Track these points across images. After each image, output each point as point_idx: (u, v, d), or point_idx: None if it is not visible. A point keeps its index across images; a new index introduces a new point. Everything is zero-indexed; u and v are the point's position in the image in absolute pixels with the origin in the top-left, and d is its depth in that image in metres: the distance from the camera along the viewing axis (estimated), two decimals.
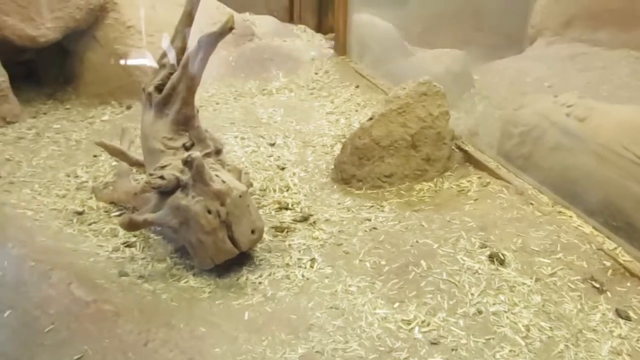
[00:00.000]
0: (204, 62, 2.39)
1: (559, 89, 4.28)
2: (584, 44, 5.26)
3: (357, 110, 4.37)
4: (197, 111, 2.59)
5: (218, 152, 2.62)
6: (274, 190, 3.23)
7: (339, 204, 3.09)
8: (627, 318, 2.12)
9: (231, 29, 2.30)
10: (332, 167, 3.41)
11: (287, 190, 3.23)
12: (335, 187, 3.28)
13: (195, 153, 2.29)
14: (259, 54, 5.35)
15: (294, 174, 3.42)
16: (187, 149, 2.54)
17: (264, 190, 3.24)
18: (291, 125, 4.10)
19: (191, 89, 2.46)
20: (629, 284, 2.29)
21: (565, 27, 5.46)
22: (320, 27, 7.07)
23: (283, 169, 3.48)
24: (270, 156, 3.63)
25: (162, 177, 2.38)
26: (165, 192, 2.44)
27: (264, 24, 6.25)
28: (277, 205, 3.08)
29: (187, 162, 2.30)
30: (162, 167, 2.44)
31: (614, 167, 2.56)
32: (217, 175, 2.43)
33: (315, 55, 5.51)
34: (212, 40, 2.35)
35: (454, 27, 5.81)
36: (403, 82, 3.42)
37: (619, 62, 4.95)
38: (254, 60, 5.27)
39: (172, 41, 2.55)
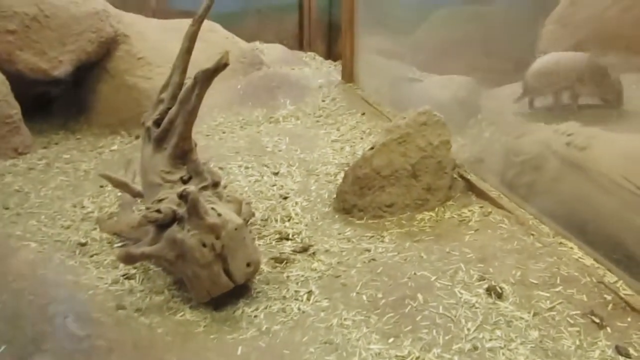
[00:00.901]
0: (200, 98, 2.44)
1: (567, 114, 4.25)
2: None
3: (362, 138, 4.40)
4: (195, 145, 2.63)
5: (216, 184, 2.65)
6: (276, 220, 3.24)
7: (339, 234, 3.08)
8: (627, 355, 2.06)
9: (225, 65, 2.35)
10: (335, 196, 3.42)
11: (289, 220, 3.25)
12: (336, 216, 3.28)
13: (190, 187, 2.32)
14: (267, 82, 5.43)
15: (297, 203, 3.43)
16: (184, 182, 2.57)
17: (266, 220, 3.25)
18: (296, 153, 4.13)
19: (188, 124, 2.51)
20: (629, 319, 2.23)
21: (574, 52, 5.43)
22: (330, 54, 7.18)
23: (286, 198, 3.50)
24: (273, 185, 3.66)
25: (158, 211, 2.41)
26: (162, 225, 2.47)
27: (273, 52, 6.36)
28: (277, 236, 3.09)
29: (182, 196, 2.33)
30: (160, 201, 2.47)
31: (614, 198, 2.52)
32: (213, 209, 2.46)
33: (323, 83, 5.58)
34: (208, 76, 2.39)
35: (462, 53, 5.82)
36: (409, 109, 3.43)
37: (629, 86, 4.90)
38: (261, 89, 5.35)
39: (170, 76, 2.61)
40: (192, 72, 2.62)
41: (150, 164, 2.61)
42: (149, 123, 2.64)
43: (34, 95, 4.56)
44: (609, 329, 2.20)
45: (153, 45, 4.83)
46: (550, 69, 4.00)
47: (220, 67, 2.36)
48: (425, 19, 5.74)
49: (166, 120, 2.57)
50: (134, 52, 4.71)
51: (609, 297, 2.34)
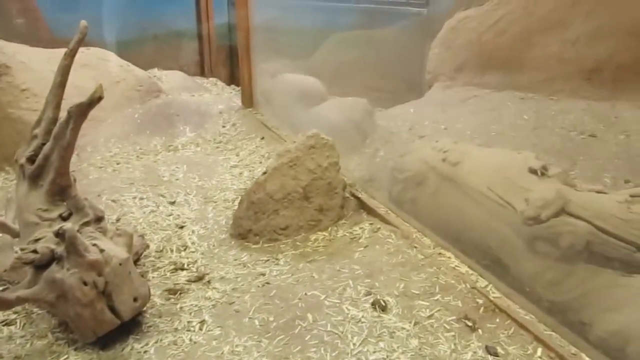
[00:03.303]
0: (75, 132, 2.38)
1: (453, 130, 4.56)
2: (475, 87, 5.65)
3: (261, 162, 4.45)
4: (75, 180, 2.56)
5: (99, 219, 2.58)
6: (171, 251, 3.20)
7: (235, 260, 3.10)
8: (495, 354, 2.23)
9: (100, 98, 2.32)
10: (232, 222, 3.44)
11: (185, 250, 3.22)
12: (233, 242, 3.29)
13: (67, 225, 2.25)
14: (166, 110, 5.37)
15: (193, 232, 3.41)
16: (64, 219, 2.49)
17: (161, 251, 3.20)
18: (193, 181, 4.11)
19: (64, 159, 2.44)
20: (498, 320, 2.42)
21: (458, 72, 5.85)
22: (233, 79, 7.21)
23: (182, 227, 3.47)
24: (169, 215, 3.61)
25: (35, 251, 2.31)
26: (40, 266, 2.37)
27: (172, 79, 6.30)
28: (172, 266, 3.05)
29: (59, 234, 2.25)
30: (36, 240, 2.37)
31: (482, 209, 2.74)
32: (95, 245, 2.39)
33: (224, 109, 5.60)
34: (82, 110, 2.35)
35: (358, 75, 6.09)
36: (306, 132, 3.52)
37: (505, 103, 5.34)
38: (160, 117, 5.27)
39: (44, 111, 2.52)
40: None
41: (26, 202, 2.50)
42: (22, 160, 2.53)
43: None
44: (480, 331, 2.37)
45: (39, 75, 4.63)
46: None
47: (94, 100, 2.33)
48: (320, 43, 5.96)
49: (41, 156, 2.48)
50: (17, 84, 4.49)
51: (480, 301, 2.53)
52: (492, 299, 2.51)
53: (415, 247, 2.97)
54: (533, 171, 2.64)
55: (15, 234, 2.95)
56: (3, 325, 2.56)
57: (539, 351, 2.24)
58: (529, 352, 2.25)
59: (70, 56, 2.50)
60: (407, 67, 5.99)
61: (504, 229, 2.62)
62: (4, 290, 2.75)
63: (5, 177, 4.21)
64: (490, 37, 5.39)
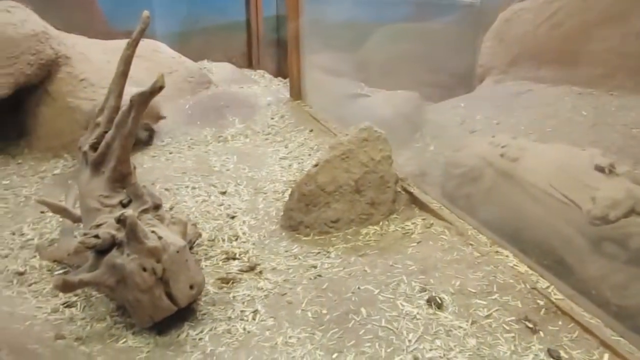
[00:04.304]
0: (136, 121, 2.42)
1: (506, 126, 4.42)
2: (529, 82, 5.46)
3: (310, 155, 4.44)
4: (134, 168, 2.61)
5: (157, 207, 2.63)
6: (223, 240, 3.23)
7: (286, 251, 3.10)
8: (558, 358, 2.15)
9: (161, 87, 2.35)
10: (282, 213, 3.44)
11: (236, 240, 3.24)
12: (283, 234, 3.29)
13: (128, 211, 2.29)
14: (216, 101, 5.43)
15: (244, 222, 3.43)
16: (124, 206, 2.54)
17: (213, 240, 3.23)
18: (244, 172, 4.13)
19: (125, 147, 2.48)
20: (560, 323, 2.33)
21: (511, 66, 5.67)
22: (280, 71, 7.23)
23: (233, 217, 3.49)
24: (220, 205, 3.65)
25: (96, 236, 2.36)
26: (101, 251, 2.42)
27: (222, 70, 6.36)
28: (224, 256, 3.07)
29: (120, 221, 2.30)
30: (98, 226, 2.43)
31: (543, 207, 2.64)
32: (153, 232, 2.43)
33: (272, 101, 5.62)
34: (144, 99, 2.39)
35: (408, 68, 5.99)
36: (355, 125, 3.49)
37: (562, 98, 5.14)
38: (210, 108, 5.34)
39: (106, 100, 2.58)
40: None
41: (88, 188, 2.57)
42: (86, 147, 2.60)
43: None
44: (542, 333, 2.29)
45: (96, 66, 4.75)
46: None
47: (156, 89, 2.36)
48: (370, 36, 5.89)
49: (103, 144, 2.54)
50: (76, 74, 4.62)
51: (541, 302, 2.45)
52: (554, 300, 2.42)
53: (471, 244, 2.90)
54: (600, 169, 2.53)
55: (75, 219, 3.04)
56: (65, 307, 2.64)
57: (606, 357, 2.14)
58: (594, 357, 2.16)
59: (133, 46, 2.54)
60: (458, 60, 5.86)
61: (567, 228, 2.52)
62: (65, 273, 2.85)
63: (64, 164, 4.34)
64: (546, 30, 5.19)
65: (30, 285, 2.82)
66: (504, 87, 5.56)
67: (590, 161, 2.62)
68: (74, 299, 2.70)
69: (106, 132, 2.57)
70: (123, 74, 2.59)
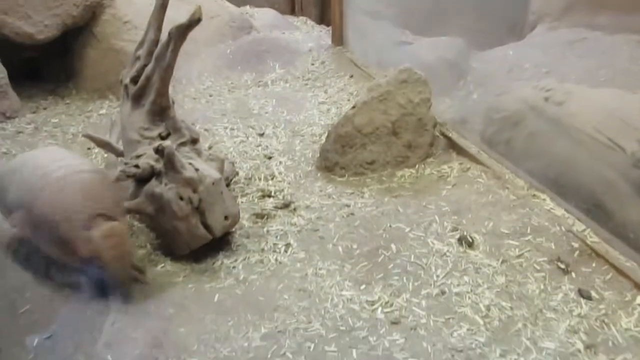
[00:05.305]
0: (175, 54, 2.46)
1: (557, 75, 4.24)
2: (584, 29, 5.17)
3: (349, 100, 4.40)
4: (173, 102, 2.66)
5: (194, 141, 2.69)
6: (259, 179, 3.29)
7: (320, 191, 3.13)
8: (589, 298, 2.12)
9: (199, 20, 2.37)
10: (318, 155, 3.46)
11: (272, 179, 3.29)
12: (319, 174, 3.32)
13: (166, 142, 2.36)
14: (257, 47, 5.41)
15: (280, 162, 3.47)
16: (162, 138, 2.61)
17: (249, 179, 3.30)
18: (282, 115, 4.15)
19: (164, 80, 2.53)
20: (594, 265, 2.29)
21: (565, 13, 5.37)
22: (323, 19, 7.10)
23: (270, 158, 3.54)
24: (258, 146, 3.70)
25: (137, 166, 2.45)
26: (141, 181, 2.52)
27: (264, 16, 6.31)
28: (260, 193, 3.14)
29: (159, 151, 2.37)
30: (138, 157, 2.52)
31: (586, 151, 2.55)
32: (190, 164, 2.50)
33: (313, 47, 5.55)
34: (181, 31, 2.41)
35: (456, 15, 5.77)
36: None
37: (619, 47, 4.85)
38: (251, 53, 5.33)
39: (146, 33, 2.62)
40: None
41: (129, 121, 2.65)
42: (127, 80, 2.67)
43: (21, 61, 4.56)
44: (573, 274, 2.26)
45: (139, 8, 4.80)
46: None
47: (193, 22, 2.37)
48: None
49: (143, 77, 2.60)
50: (120, 16, 4.69)
51: (576, 245, 2.40)
52: (589, 243, 2.38)
53: (507, 187, 2.85)
54: None
55: (118, 154, 3.15)
56: None
57: (639, 299, 2.10)
58: (627, 298, 2.12)
59: None
60: (508, 7, 5.59)
61: (609, 172, 2.43)
62: None
63: (109, 104, 4.47)
64: None
65: None
66: (556, 35, 5.29)
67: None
68: None
69: (146, 65, 2.62)
70: (162, 7, 2.61)
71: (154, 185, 2.47)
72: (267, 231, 2.77)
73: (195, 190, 2.44)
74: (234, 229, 2.69)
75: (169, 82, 2.58)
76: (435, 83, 3.69)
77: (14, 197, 2.18)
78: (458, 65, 4.84)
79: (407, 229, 2.62)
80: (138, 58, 2.67)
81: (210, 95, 4.54)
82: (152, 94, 2.59)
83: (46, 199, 2.08)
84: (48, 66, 4.90)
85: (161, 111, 2.63)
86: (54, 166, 2.17)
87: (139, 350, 1.95)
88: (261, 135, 3.84)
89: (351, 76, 4.81)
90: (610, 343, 1.95)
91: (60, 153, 2.41)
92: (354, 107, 3.36)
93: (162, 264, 2.55)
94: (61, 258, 2.15)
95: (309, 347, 1.99)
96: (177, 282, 2.42)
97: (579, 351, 1.92)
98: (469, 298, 2.17)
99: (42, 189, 2.10)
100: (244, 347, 2.00)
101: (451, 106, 4.24)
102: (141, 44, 2.70)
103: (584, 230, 2.47)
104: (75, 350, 1.95)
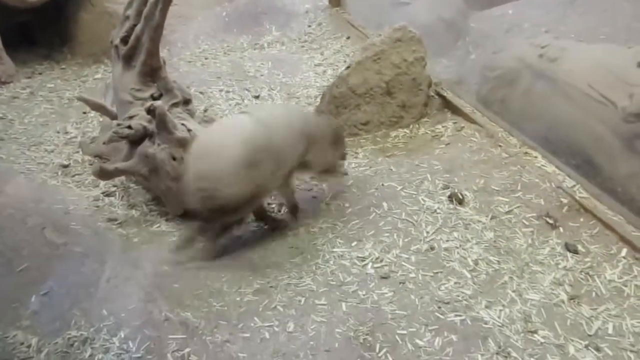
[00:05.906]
0: (164, 13, 2.44)
1: (556, 34, 4.17)
2: None
3: (345, 61, 4.35)
4: (164, 62, 2.65)
5: (186, 102, 2.69)
6: None
7: None
8: (575, 251, 2.15)
9: None
10: None
11: None
12: None
13: (158, 102, 2.37)
14: (253, 9, 5.34)
15: None
16: (154, 99, 2.61)
17: None
18: (278, 78, 4.13)
19: (154, 40, 2.52)
20: (582, 220, 2.32)
21: None
22: None
23: None
24: None
25: (129, 127, 2.47)
26: (134, 142, 2.54)
27: None
28: None
29: (150, 111, 2.38)
30: (130, 118, 2.53)
31: (578, 107, 2.54)
32: (183, 124, 2.51)
33: (310, 8, 5.46)
34: None
35: None
36: None
37: (621, 3, 4.76)
38: (247, 15, 5.26)
39: None
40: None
41: (121, 82, 2.65)
42: (117, 41, 2.65)
43: (15, 25, 4.52)
44: (561, 229, 2.29)
45: None
46: None
47: None
48: None
49: (133, 37, 2.58)
50: None
51: (565, 201, 2.42)
52: (578, 198, 2.39)
53: (500, 145, 2.85)
54: None
55: (113, 116, 3.16)
56: (105, 196, 2.81)
57: (624, 251, 2.14)
58: (612, 251, 2.15)
59: None
60: None
61: (600, 127, 2.43)
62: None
63: (105, 68, 4.45)
64: None
65: (73, 176, 3.01)
66: None
67: (634, 59, 2.47)
68: (113, 189, 2.87)
69: (135, 25, 2.60)
70: None
71: (147, 146, 2.48)
72: None
73: (187, 151, 2.45)
74: None
75: (159, 42, 2.57)
76: (433, 43, 3.64)
77: None
78: (456, 25, 4.76)
79: (399, 187, 2.64)
80: (127, 17, 2.65)
81: (206, 59, 4.51)
82: (142, 55, 2.58)
83: None
84: (42, 31, 4.85)
85: (152, 72, 2.62)
86: None
87: (134, 305, 2.00)
88: (256, 97, 3.83)
89: (348, 38, 4.75)
90: (593, 294, 1.99)
91: None
92: (348, 67, 3.33)
93: (158, 224, 2.60)
94: None
95: (300, 301, 2.04)
96: (171, 241, 2.46)
97: (563, 302, 1.96)
98: (458, 253, 2.20)
99: None
100: (237, 301, 2.05)
101: (448, 66, 4.20)
102: (130, 4, 2.67)
103: (573, 186, 2.48)
104: (72, 306, 2.00)
